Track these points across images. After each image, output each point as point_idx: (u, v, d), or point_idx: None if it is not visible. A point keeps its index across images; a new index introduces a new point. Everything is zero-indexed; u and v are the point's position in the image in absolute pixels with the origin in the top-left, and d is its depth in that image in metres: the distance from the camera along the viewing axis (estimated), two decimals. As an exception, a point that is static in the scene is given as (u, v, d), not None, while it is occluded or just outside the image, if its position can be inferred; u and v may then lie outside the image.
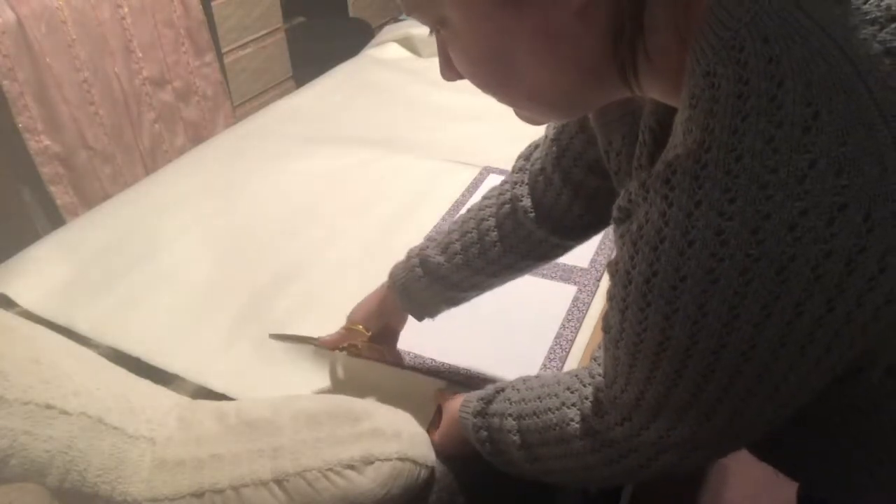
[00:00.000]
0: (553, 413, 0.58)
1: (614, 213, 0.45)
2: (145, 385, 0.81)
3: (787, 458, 0.58)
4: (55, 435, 0.66)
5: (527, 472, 0.63)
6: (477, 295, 0.84)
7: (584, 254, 1.10)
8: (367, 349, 0.89)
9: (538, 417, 0.60)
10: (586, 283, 1.05)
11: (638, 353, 0.43)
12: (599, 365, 0.54)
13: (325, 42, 2.55)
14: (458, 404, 0.72)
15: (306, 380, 0.91)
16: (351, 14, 2.87)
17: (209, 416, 0.74)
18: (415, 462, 0.67)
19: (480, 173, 1.34)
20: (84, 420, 0.68)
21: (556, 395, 0.59)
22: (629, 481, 0.66)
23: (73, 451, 0.67)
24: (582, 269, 1.07)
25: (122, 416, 0.72)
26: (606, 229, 0.85)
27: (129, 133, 1.91)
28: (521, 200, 0.74)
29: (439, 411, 0.80)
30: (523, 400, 0.62)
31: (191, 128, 2.10)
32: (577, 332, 0.96)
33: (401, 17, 2.43)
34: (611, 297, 0.46)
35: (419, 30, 1.95)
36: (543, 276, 1.07)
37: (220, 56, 2.16)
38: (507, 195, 0.76)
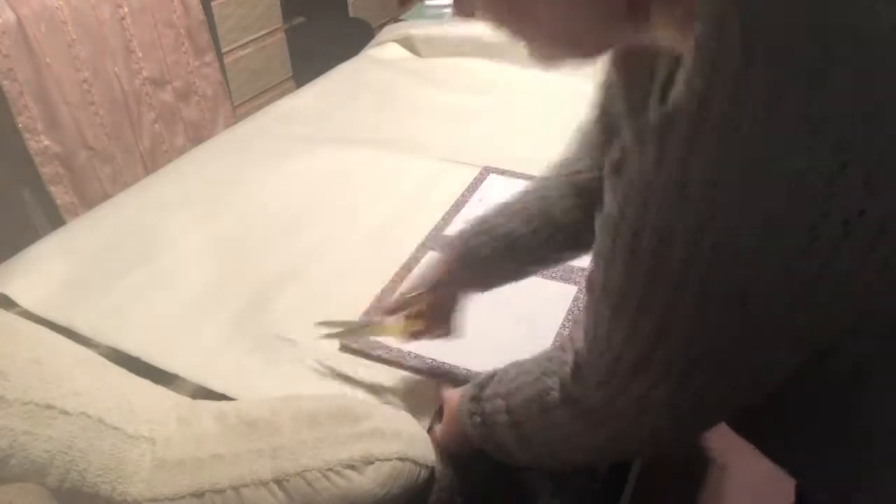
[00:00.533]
0: (535, 384, 0.57)
1: (606, 167, 0.44)
2: (145, 385, 0.81)
3: (781, 450, 0.58)
4: (55, 435, 0.66)
5: (515, 454, 0.63)
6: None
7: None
8: (419, 316, 0.85)
9: (522, 392, 0.59)
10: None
11: (620, 310, 0.42)
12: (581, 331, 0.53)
13: (325, 42, 2.55)
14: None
15: (306, 380, 0.91)
16: (351, 14, 2.87)
17: (209, 416, 0.74)
18: (415, 462, 0.67)
19: (480, 173, 1.34)
20: (84, 420, 0.68)
21: (538, 365, 0.59)
22: (615, 456, 0.64)
23: (73, 451, 0.67)
24: (582, 269, 1.07)
25: (122, 416, 0.72)
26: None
27: (129, 133, 1.91)
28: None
29: (439, 411, 0.80)
30: (512, 379, 0.62)
31: (191, 128, 2.10)
32: (577, 332, 0.96)
33: (401, 17, 2.43)
34: (597, 252, 0.45)
35: (419, 30, 1.95)
36: (543, 276, 1.07)
37: (220, 56, 2.16)
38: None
